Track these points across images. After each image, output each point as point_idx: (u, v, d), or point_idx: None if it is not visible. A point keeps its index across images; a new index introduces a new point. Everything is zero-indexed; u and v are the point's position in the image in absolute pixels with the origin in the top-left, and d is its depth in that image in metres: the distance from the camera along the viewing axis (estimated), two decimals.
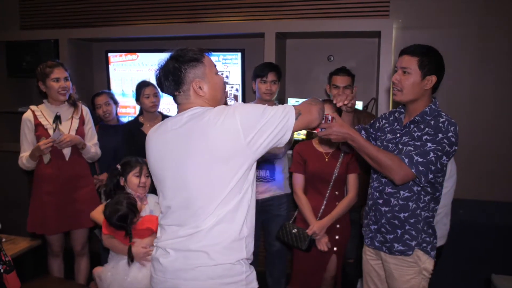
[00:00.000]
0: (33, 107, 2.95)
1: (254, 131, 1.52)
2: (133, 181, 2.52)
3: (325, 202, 2.68)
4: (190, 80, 1.63)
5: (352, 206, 2.90)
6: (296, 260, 2.80)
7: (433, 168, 1.89)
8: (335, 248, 2.70)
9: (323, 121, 1.82)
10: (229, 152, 1.53)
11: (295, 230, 2.67)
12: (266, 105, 1.63)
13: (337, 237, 2.69)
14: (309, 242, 2.62)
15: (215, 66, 1.73)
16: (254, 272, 1.66)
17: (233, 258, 1.58)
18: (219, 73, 1.75)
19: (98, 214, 2.55)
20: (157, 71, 1.69)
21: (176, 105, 1.73)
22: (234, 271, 1.58)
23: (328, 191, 2.68)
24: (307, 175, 2.76)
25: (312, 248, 2.66)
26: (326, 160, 2.71)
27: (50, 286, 2.68)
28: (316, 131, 1.84)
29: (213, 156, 1.54)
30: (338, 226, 2.70)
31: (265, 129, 1.53)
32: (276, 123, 1.55)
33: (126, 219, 2.34)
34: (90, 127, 3.09)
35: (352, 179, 2.72)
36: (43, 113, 2.93)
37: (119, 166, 2.58)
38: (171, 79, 1.64)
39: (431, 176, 1.91)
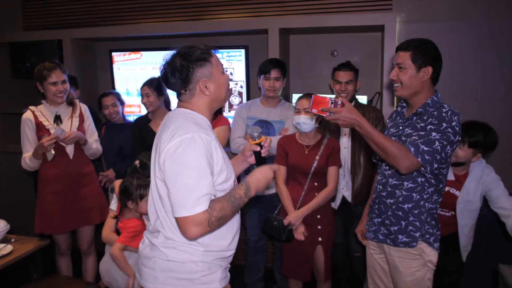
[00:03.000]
0: (32, 107, 2.93)
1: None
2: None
3: (303, 193, 2.71)
4: (197, 80, 1.64)
5: (358, 201, 2.91)
6: (284, 251, 2.83)
7: (438, 157, 1.91)
8: (319, 239, 2.72)
9: (333, 105, 1.83)
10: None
11: (275, 222, 2.72)
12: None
13: (319, 227, 2.72)
14: (287, 233, 2.66)
15: (221, 64, 1.73)
16: (218, 273, 1.69)
17: (184, 258, 1.64)
18: (225, 71, 1.76)
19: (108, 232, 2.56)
20: (163, 67, 1.67)
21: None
22: (185, 269, 1.64)
23: (307, 182, 2.71)
24: (288, 167, 2.80)
25: (294, 239, 2.70)
26: (306, 152, 2.74)
27: (59, 284, 2.69)
28: (324, 115, 1.85)
29: (160, 174, 1.61)
30: (318, 216, 2.72)
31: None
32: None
33: (126, 190, 2.37)
34: (89, 123, 3.09)
35: (332, 172, 2.74)
36: (42, 113, 2.91)
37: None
38: (178, 76, 1.63)
39: (436, 165, 1.92)
